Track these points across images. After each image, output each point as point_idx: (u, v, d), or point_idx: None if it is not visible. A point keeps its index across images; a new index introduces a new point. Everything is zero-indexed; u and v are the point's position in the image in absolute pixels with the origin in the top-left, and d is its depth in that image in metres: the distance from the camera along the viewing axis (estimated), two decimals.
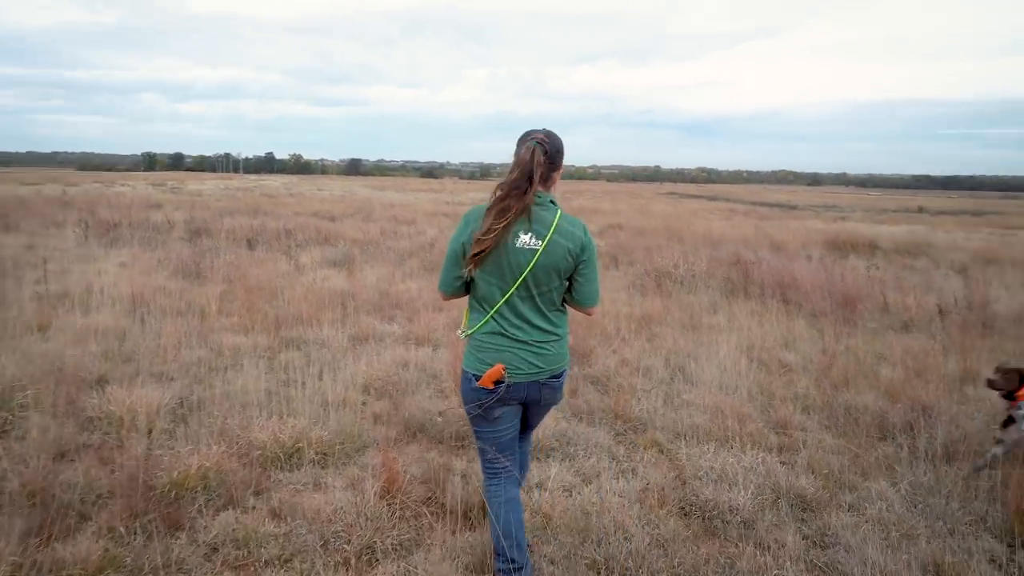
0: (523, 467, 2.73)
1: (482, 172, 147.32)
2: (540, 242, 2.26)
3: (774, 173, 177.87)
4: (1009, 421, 3.50)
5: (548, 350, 2.38)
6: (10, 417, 3.68)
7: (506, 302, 2.32)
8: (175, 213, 19.95)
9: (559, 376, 2.45)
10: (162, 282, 8.09)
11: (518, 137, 2.37)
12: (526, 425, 2.60)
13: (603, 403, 4.51)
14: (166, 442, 3.53)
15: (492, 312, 2.34)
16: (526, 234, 2.27)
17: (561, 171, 2.41)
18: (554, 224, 2.29)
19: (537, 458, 3.63)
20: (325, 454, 3.44)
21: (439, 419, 3.79)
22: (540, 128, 2.36)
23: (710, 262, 11.06)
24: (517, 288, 2.30)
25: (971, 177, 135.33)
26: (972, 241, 19.02)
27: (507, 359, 2.33)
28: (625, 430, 4.14)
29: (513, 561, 2.39)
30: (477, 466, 2.98)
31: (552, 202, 2.36)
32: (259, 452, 3.35)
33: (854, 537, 2.79)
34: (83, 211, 18.67)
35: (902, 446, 3.82)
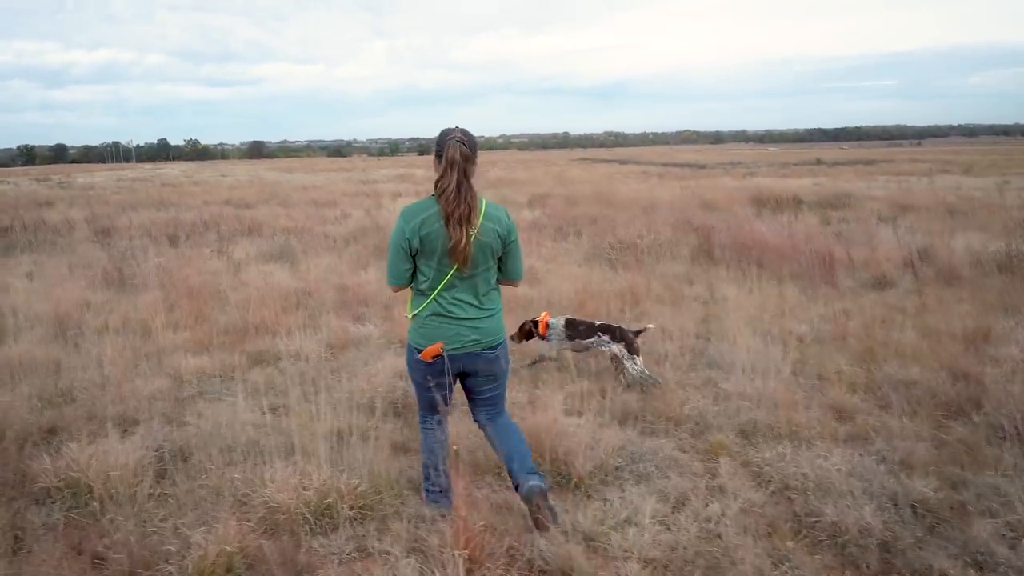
0: (515, 453, 2.76)
1: (391, 148, 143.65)
2: (473, 229, 2.57)
3: (679, 133, 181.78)
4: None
5: (483, 325, 2.70)
6: None
7: (445, 285, 2.63)
8: (71, 211, 18.03)
9: (494, 348, 2.74)
10: (84, 294, 7.00)
11: (438, 136, 2.65)
12: (475, 399, 2.88)
13: (644, 404, 4.02)
14: (157, 514, 2.78)
15: (433, 295, 2.64)
16: None
17: (476, 162, 2.66)
18: (483, 212, 2.62)
19: (605, 481, 3.13)
20: (362, 508, 2.80)
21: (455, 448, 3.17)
22: (455, 127, 2.64)
23: (669, 228, 10.78)
24: (455, 271, 2.62)
25: (857, 128, 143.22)
26: (878, 190, 19.69)
27: (446, 335, 2.65)
28: (683, 434, 3.68)
29: (437, 485, 2.79)
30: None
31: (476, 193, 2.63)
32: (283, 516, 2.68)
33: (1015, 553, 2.43)
34: None
35: (978, 425, 3.53)
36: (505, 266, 2.77)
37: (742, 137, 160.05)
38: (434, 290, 2.64)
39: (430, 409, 2.79)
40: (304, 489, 2.77)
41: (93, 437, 3.28)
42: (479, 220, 2.59)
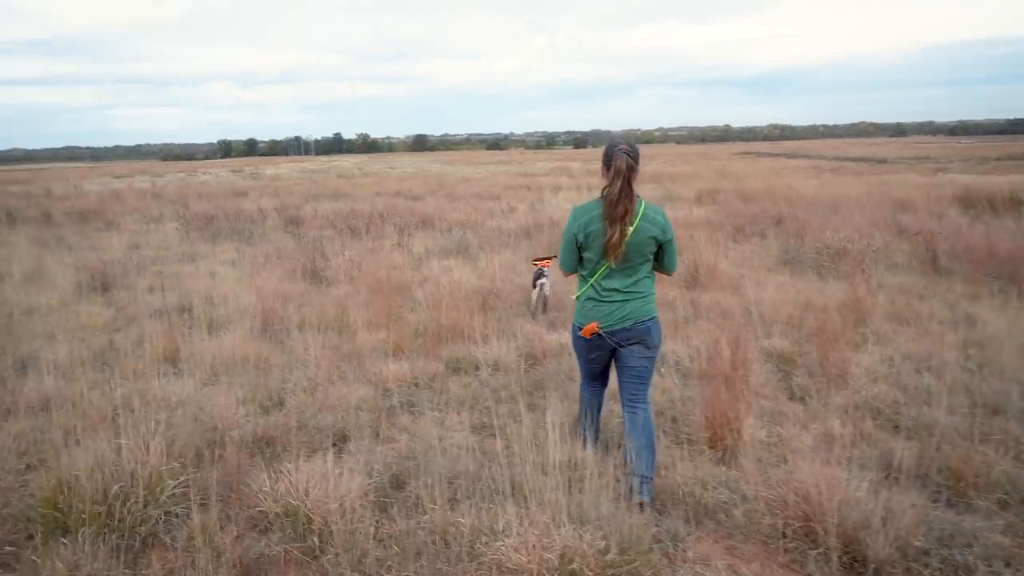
0: (639, 451, 2.98)
1: (547, 141, 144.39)
2: (631, 228, 2.90)
3: (853, 126, 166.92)
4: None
5: (631, 306, 3.01)
6: (163, 517, 2.72)
7: (601, 274, 3.00)
8: (263, 200, 19.40)
9: (645, 321, 3.04)
10: (282, 285, 7.18)
11: (606, 147, 3.01)
12: (625, 370, 3.13)
13: (923, 458, 3.23)
14: (380, 559, 2.46)
15: (592, 281, 3.04)
16: None
17: (639, 169, 2.96)
18: (640, 213, 2.92)
19: (911, 571, 2.43)
20: None
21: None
22: (621, 138, 3.08)
23: (873, 231, 9.47)
24: (611, 263, 2.96)
25: None
26: None
27: (602, 314, 3.01)
28: (994, 506, 2.86)
29: (585, 431, 3.23)
30: None
31: (638, 196, 2.95)
32: None
33: None
34: (176, 204, 18.33)
35: None
36: (661, 261, 3.11)
37: (929, 129, 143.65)
38: (592, 277, 3.05)
39: (590, 378, 3.32)
40: (544, 550, 2.33)
41: (309, 454, 3.07)
42: (636, 221, 2.93)
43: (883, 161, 37.13)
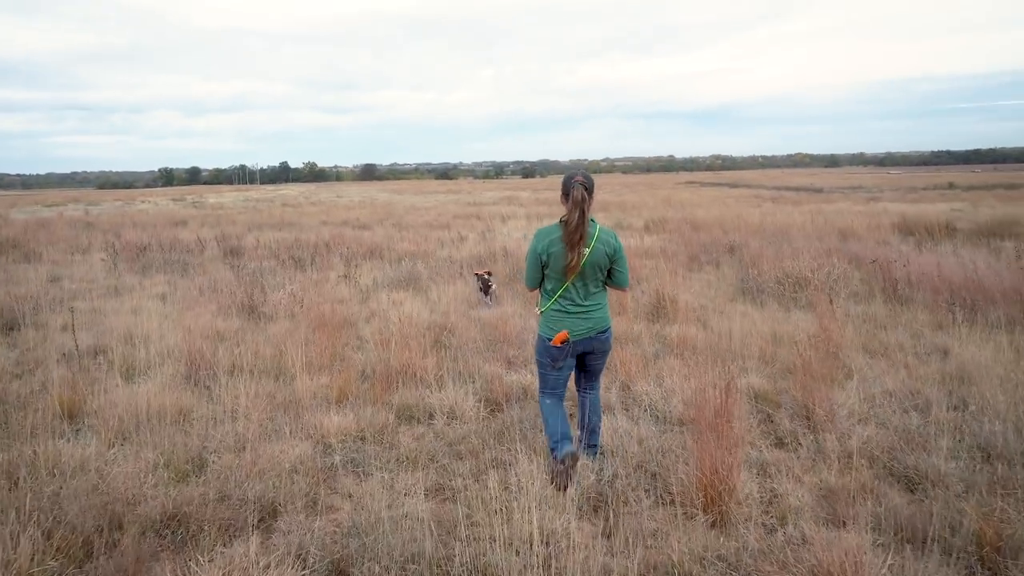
0: (594, 427, 3.62)
1: (496, 171, 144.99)
2: (587, 249, 3.32)
3: (790, 157, 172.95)
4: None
5: (593, 315, 3.42)
6: None
7: (564, 289, 3.39)
8: (203, 230, 18.49)
9: (604, 331, 3.48)
10: (215, 323, 6.54)
11: (564, 179, 3.36)
12: (587, 371, 3.60)
13: (944, 520, 2.85)
14: None
15: (556, 296, 3.41)
16: None
17: (594, 197, 3.36)
18: (595, 236, 3.35)
19: None
20: None
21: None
22: (579, 171, 3.37)
23: (826, 259, 9.38)
24: (572, 280, 3.37)
25: (991, 150, 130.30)
26: None
27: (568, 325, 3.39)
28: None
29: (557, 444, 3.35)
30: None
31: (592, 220, 3.35)
32: None
33: None
34: (108, 233, 17.26)
35: None
36: (613, 276, 3.45)
37: (860, 160, 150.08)
38: (556, 292, 3.37)
39: (553, 389, 3.52)
40: None
41: (229, 538, 2.51)
42: (592, 243, 3.29)
43: (820, 190, 38.23)
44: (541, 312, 3.47)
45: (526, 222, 20.88)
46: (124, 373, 4.72)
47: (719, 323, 6.52)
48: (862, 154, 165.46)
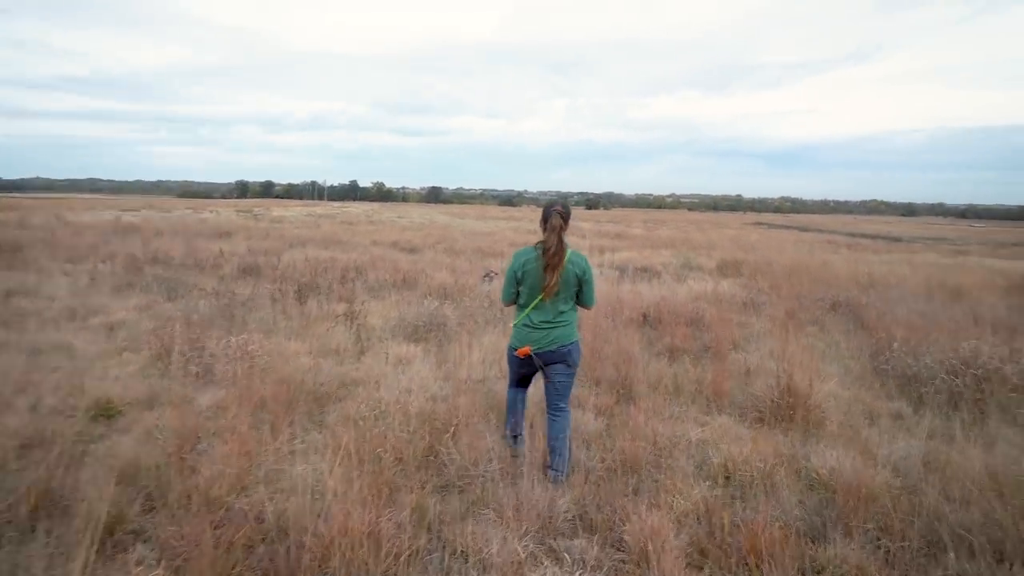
0: (559, 450, 3.52)
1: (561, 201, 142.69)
2: (560, 271, 3.46)
3: (864, 203, 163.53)
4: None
5: (558, 331, 3.52)
6: None
7: (536, 305, 3.52)
8: (241, 243, 16.86)
9: (567, 345, 3.54)
10: (132, 381, 4.41)
11: (544, 208, 3.59)
12: (553, 385, 3.59)
13: None
14: None
15: (527, 311, 3.55)
16: None
17: (569, 223, 3.57)
18: (567, 258, 3.50)
19: None
20: None
21: None
22: (559, 201, 3.64)
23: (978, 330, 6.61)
24: (542, 297, 3.51)
25: None
26: None
27: (534, 339, 3.52)
28: None
29: (514, 432, 3.70)
30: None
31: (566, 245, 3.54)
32: None
33: None
34: (129, 243, 15.73)
35: None
36: (581, 296, 3.63)
37: (939, 210, 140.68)
38: (527, 307, 3.56)
39: (516, 383, 3.76)
40: None
41: None
42: (564, 264, 3.48)
43: (898, 240, 34.64)
44: (513, 325, 3.66)
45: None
46: None
47: (885, 446, 3.99)
48: (941, 204, 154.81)
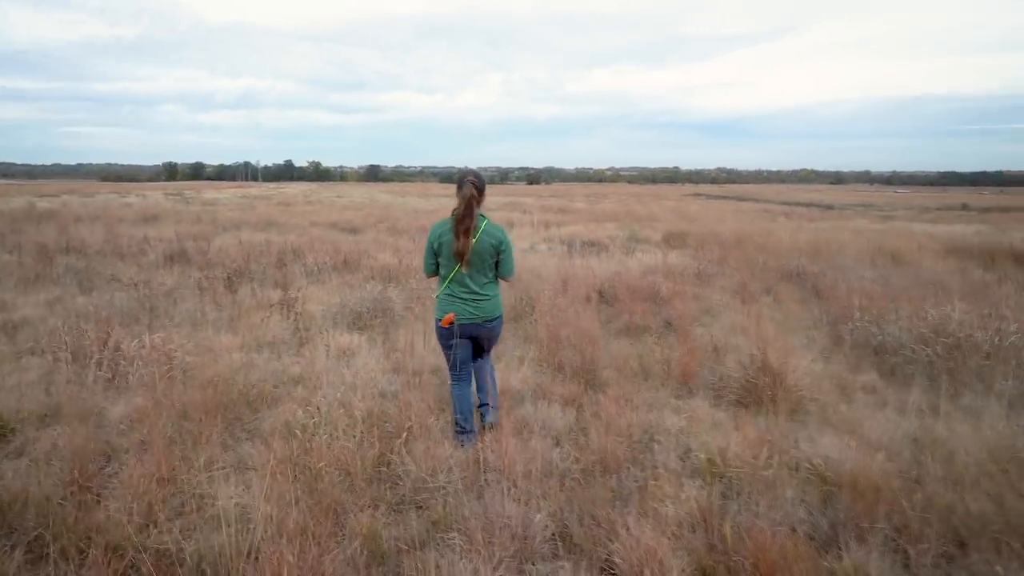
0: (492, 387, 3.78)
1: (501, 176, 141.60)
2: (474, 239, 3.49)
3: (795, 172, 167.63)
4: None
5: (481, 304, 3.59)
6: None
7: (455, 276, 3.55)
8: (169, 228, 15.72)
9: (491, 321, 3.63)
10: (35, 390, 3.77)
11: (457, 177, 3.59)
12: (480, 351, 3.74)
13: None
14: None
15: (447, 282, 3.58)
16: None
17: (485, 195, 3.60)
18: (482, 228, 3.54)
19: None
20: None
21: None
22: (471, 172, 3.57)
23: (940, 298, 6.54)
24: (463, 268, 3.53)
25: (998, 173, 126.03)
26: None
27: (456, 310, 3.56)
28: None
29: (463, 427, 3.58)
30: None
31: (481, 215, 3.56)
32: None
33: None
34: (43, 231, 14.47)
35: None
36: (500, 266, 3.63)
37: (865, 178, 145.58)
38: (447, 278, 3.58)
39: (455, 367, 3.66)
40: None
41: None
42: (478, 234, 3.50)
43: (830, 207, 35.50)
44: (436, 297, 3.68)
45: (531, 229, 18.11)
46: None
47: (870, 425, 3.75)
48: (867, 172, 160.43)
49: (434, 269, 3.66)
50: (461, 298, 3.54)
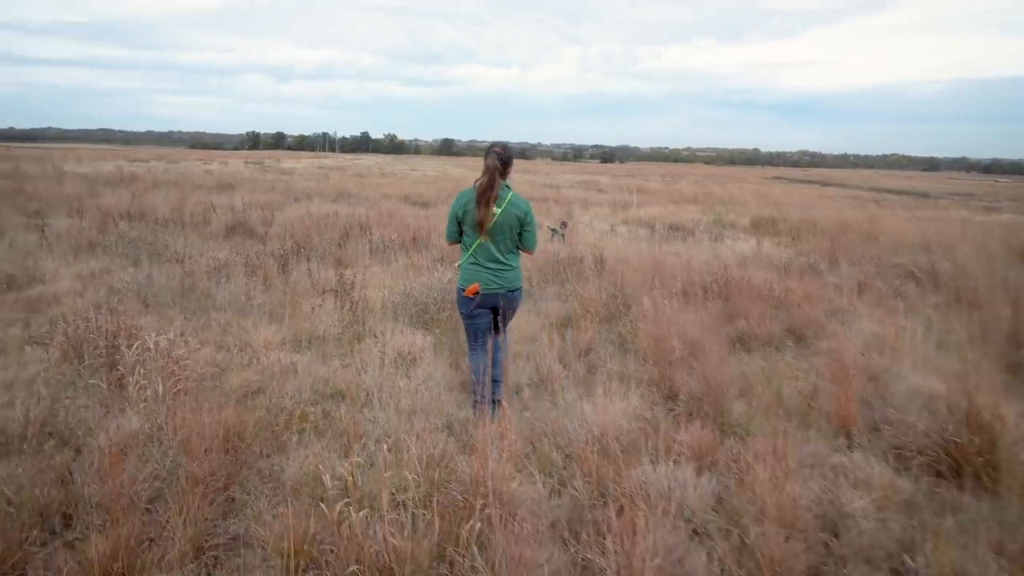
0: (499, 363, 3.63)
1: (575, 154, 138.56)
2: (498, 210, 3.50)
3: (884, 157, 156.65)
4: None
5: (504, 274, 3.58)
6: None
7: (478, 246, 3.55)
8: (243, 196, 15.25)
9: (513, 291, 3.64)
10: (21, 396, 2.95)
11: (486, 148, 3.62)
12: (499, 324, 3.67)
13: None
14: None
15: (470, 251, 3.58)
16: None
17: (511, 167, 3.61)
18: (507, 200, 3.53)
19: None
20: None
21: None
22: (499, 143, 3.63)
23: None
24: (486, 238, 3.53)
25: None
26: None
27: (480, 279, 3.55)
28: None
29: (482, 395, 3.47)
30: None
31: (507, 186, 3.58)
32: None
33: None
34: (117, 195, 14.20)
35: None
36: (522, 239, 3.64)
37: (962, 164, 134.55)
38: (470, 248, 3.57)
39: (474, 338, 3.67)
40: None
41: None
42: (503, 205, 3.50)
43: (926, 196, 32.25)
44: (459, 266, 3.66)
45: (609, 209, 16.78)
46: None
47: None
48: (964, 158, 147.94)
49: (456, 236, 3.68)
50: (485, 267, 3.56)
